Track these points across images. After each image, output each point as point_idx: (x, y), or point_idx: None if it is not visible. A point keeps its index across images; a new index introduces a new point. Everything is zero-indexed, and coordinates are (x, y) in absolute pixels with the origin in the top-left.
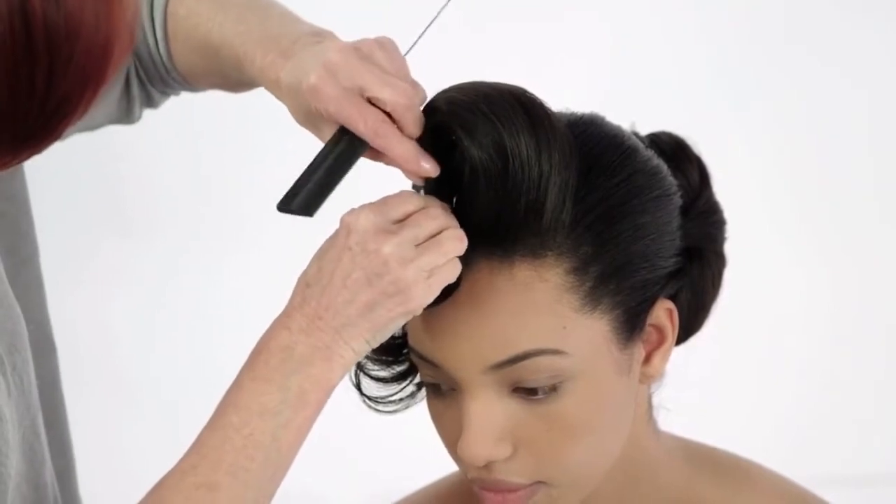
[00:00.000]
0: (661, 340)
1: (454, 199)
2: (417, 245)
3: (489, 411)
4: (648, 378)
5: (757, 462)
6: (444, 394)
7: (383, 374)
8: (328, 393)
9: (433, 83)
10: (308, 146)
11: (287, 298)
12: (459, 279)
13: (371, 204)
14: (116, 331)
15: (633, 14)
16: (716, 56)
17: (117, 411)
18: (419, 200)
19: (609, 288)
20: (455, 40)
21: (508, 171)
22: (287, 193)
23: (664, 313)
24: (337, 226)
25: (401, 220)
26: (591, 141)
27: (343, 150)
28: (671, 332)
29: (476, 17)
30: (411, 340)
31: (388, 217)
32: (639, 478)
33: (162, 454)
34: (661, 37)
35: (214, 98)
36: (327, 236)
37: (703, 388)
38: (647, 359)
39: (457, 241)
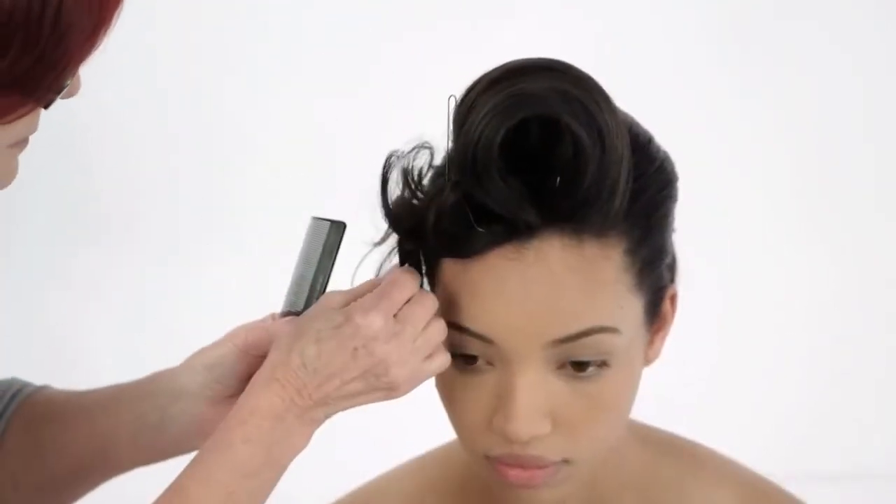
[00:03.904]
0: (662, 324)
1: (557, 180)
2: (414, 341)
3: (537, 387)
4: (649, 360)
5: (711, 448)
6: (475, 368)
7: None
8: (297, 455)
9: (427, 79)
10: (287, 148)
11: (270, 302)
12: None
13: (379, 303)
14: (93, 339)
15: (623, 7)
16: (715, 51)
17: None
18: (414, 284)
19: (650, 270)
20: (449, 37)
21: (605, 152)
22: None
23: (669, 299)
24: None
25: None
26: (631, 126)
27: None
28: (671, 316)
29: (466, 14)
30: (458, 318)
31: (392, 313)
32: (606, 459)
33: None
34: (657, 29)
35: (191, 101)
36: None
37: (704, 386)
38: (650, 342)
39: (442, 332)
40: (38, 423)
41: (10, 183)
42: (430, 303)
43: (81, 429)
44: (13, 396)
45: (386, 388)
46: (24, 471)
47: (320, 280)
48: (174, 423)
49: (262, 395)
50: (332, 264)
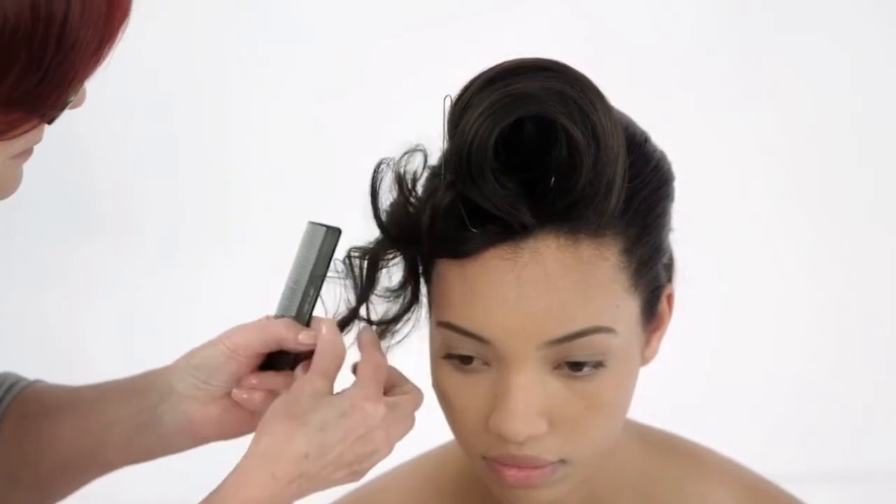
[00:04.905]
0: (658, 324)
1: (552, 180)
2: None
3: (533, 386)
4: (646, 360)
5: (711, 448)
6: (472, 368)
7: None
8: None
9: (425, 79)
10: (286, 147)
11: (268, 301)
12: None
13: (379, 392)
14: (91, 336)
15: (619, 6)
16: (712, 49)
17: None
18: (411, 385)
19: (647, 270)
20: (446, 37)
21: (600, 151)
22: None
23: (666, 298)
24: None
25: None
26: (627, 125)
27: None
28: (668, 316)
29: (463, 14)
30: (454, 318)
31: (381, 394)
32: (604, 459)
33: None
34: (653, 27)
35: (191, 96)
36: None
37: (703, 386)
38: (647, 342)
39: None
40: (30, 420)
41: (13, 192)
42: (420, 401)
43: (72, 427)
44: (7, 391)
45: (358, 472)
46: (17, 467)
47: (314, 285)
48: (163, 422)
49: (253, 488)
50: (326, 270)
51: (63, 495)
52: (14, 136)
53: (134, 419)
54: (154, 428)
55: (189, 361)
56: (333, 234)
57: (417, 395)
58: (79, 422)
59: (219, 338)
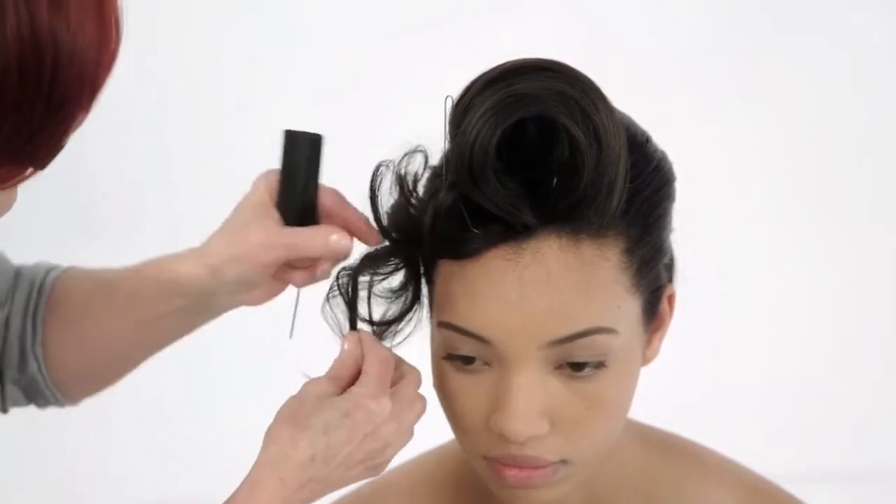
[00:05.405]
0: (659, 324)
1: (554, 180)
2: (412, 423)
3: (535, 387)
4: (647, 360)
5: (711, 448)
6: (473, 368)
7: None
8: None
9: (424, 80)
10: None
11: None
12: (528, 255)
13: (383, 387)
14: None
15: (619, 6)
16: (713, 48)
17: (95, 418)
18: (393, 356)
19: (648, 270)
20: (446, 38)
21: (602, 151)
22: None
23: (667, 298)
24: None
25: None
26: (628, 126)
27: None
28: (669, 316)
29: (463, 15)
30: (455, 319)
31: (387, 388)
32: (605, 459)
33: (141, 456)
34: (654, 27)
35: (189, 98)
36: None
37: (703, 386)
38: (648, 342)
39: (425, 406)
40: (73, 324)
41: (9, 209)
42: (419, 379)
43: (119, 325)
44: (45, 276)
45: (374, 467)
46: (73, 366)
47: (310, 193)
48: (215, 311)
49: (263, 496)
50: (318, 175)
51: (119, 376)
52: (10, 186)
53: (183, 309)
54: (205, 315)
55: (230, 277)
56: (315, 141)
57: (415, 375)
58: (124, 320)
59: (245, 253)
